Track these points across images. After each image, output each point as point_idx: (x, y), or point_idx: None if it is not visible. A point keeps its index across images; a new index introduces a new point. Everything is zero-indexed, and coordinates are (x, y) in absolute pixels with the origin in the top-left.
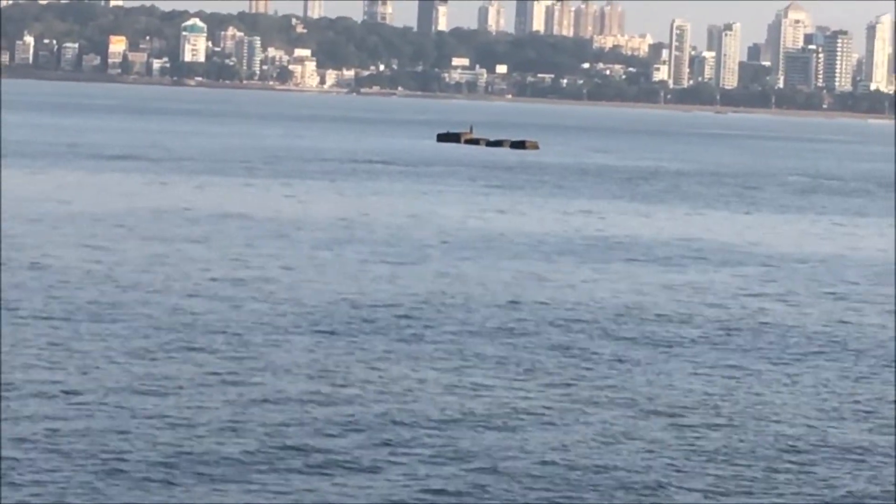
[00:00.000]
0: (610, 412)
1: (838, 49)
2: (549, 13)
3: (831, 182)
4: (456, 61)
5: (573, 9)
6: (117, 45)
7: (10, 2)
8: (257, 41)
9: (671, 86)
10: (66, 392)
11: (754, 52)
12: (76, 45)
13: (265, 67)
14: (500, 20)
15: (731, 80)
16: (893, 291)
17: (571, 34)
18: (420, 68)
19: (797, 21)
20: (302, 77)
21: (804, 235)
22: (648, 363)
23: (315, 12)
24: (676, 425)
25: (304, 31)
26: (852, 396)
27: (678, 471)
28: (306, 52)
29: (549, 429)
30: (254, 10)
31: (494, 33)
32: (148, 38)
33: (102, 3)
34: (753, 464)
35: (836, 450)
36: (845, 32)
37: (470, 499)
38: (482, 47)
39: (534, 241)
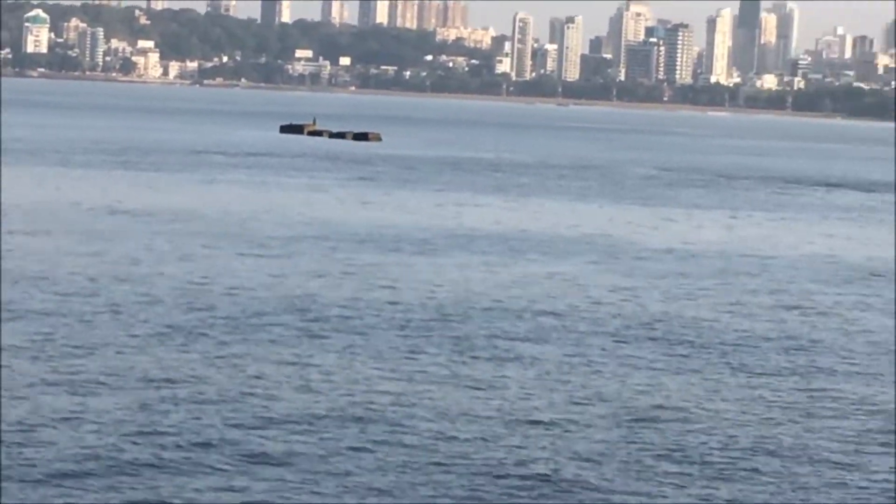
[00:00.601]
0: (441, 400)
1: (679, 42)
2: (392, 6)
3: (673, 174)
4: (299, 53)
5: (416, 2)
6: None
7: None
8: (100, 32)
9: (514, 78)
10: None
11: (596, 44)
12: None
13: (108, 59)
14: (344, 12)
15: (573, 73)
16: (726, 282)
17: (415, 26)
18: (263, 60)
19: (638, 14)
20: (145, 68)
21: (644, 226)
22: (473, 352)
23: (158, 4)
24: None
25: (148, 22)
26: (682, 385)
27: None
28: (149, 44)
29: (375, 421)
30: (97, 2)
31: (338, 25)
32: None
33: None
34: (551, 462)
35: (657, 447)
36: (686, 26)
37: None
38: (326, 39)
39: (374, 232)
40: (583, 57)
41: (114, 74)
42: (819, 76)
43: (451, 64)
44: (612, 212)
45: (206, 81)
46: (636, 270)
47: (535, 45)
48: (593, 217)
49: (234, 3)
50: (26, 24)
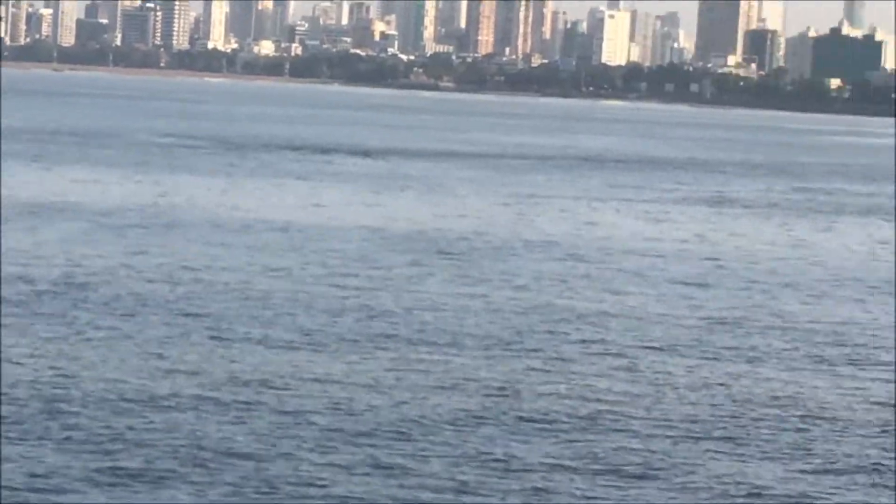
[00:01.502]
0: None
1: (176, 8)
2: None
3: (176, 140)
4: None
5: None
6: None
7: None
8: None
9: (8, 43)
10: None
11: (92, 9)
12: None
13: None
14: None
15: (68, 38)
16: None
17: None
18: None
19: None
20: None
21: (151, 195)
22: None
23: None
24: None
25: None
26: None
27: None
28: None
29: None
30: None
31: None
32: None
33: None
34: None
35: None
36: None
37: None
38: None
39: None
40: (79, 22)
41: None
42: (316, 42)
43: None
44: (117, 176)
45: None
46: (120, 239)
47: (31, 10)
48: (99, 185)
49: None
50: None
